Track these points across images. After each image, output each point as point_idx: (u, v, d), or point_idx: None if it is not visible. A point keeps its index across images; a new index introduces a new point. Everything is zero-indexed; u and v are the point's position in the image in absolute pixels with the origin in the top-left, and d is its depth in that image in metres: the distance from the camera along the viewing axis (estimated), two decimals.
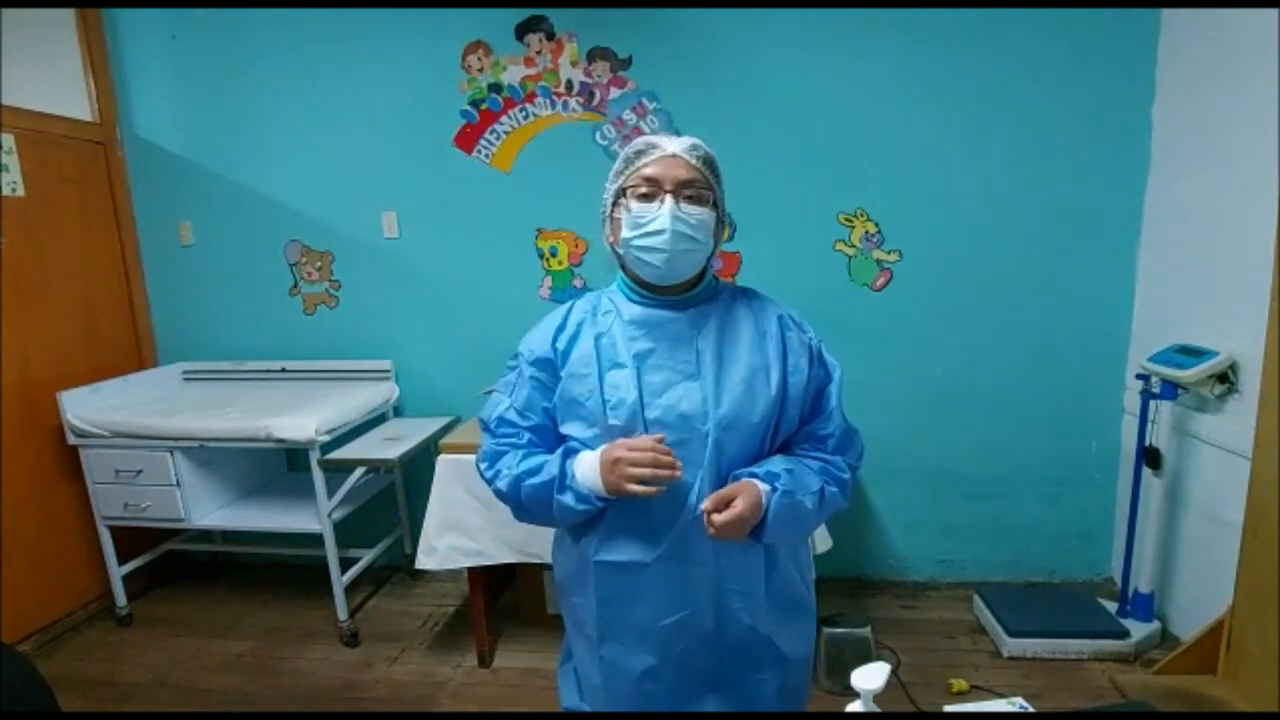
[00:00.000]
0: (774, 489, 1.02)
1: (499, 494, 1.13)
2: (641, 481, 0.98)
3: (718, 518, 0.98)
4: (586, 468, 1.04)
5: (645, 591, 1.09)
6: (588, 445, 1.07)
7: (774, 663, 1.15)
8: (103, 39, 2.79)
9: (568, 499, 1.05)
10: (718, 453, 1.04)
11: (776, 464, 1.07)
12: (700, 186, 1.08)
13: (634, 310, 1.12)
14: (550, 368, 1.12)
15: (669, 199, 1.05)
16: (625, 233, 1.08)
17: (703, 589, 1.09)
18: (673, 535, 1.06)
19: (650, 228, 1.05)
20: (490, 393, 1.21)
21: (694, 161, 1.08)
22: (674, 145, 1.08)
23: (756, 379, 1.07)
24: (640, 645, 1.11)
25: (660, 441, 1.00)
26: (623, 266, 1.15)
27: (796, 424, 1.12)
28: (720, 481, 1.05)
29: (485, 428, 1.16)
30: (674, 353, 1.09)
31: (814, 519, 1.08)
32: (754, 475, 1.04)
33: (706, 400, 1.06)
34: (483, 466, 1.14)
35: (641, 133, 2.57)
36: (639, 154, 1.09)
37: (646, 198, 1.07)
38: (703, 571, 1.08)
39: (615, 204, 1.11)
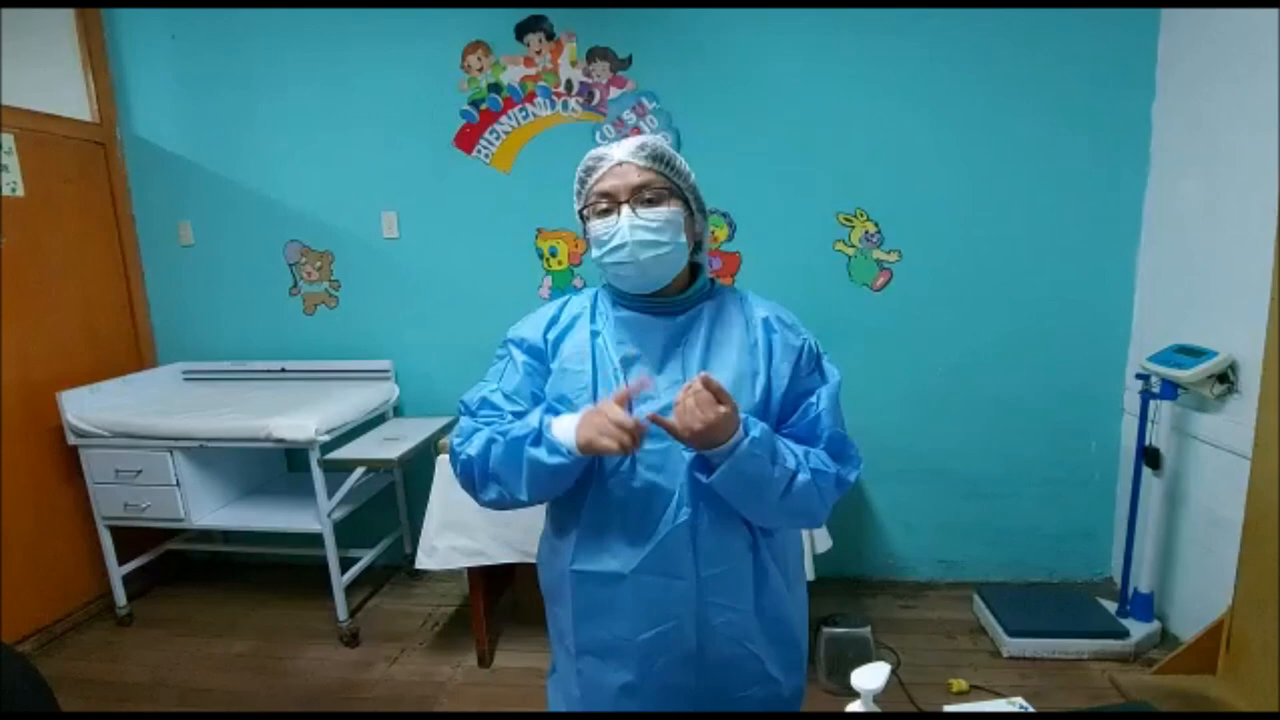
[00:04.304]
0: (746, 434, 0.95)
1: (464, 466, 1.07)
2: (612, 447, 0.93)
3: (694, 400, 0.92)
4: (565, 423, 0.99)
5: (622, 604, 1.05)
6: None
7: (762, 682, 1.11)
8: (102, 39, 2.79)
9: (540, 452, 0.99)
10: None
11: (756, 424, 0.99)
12: (656, 187, 1.05)
13: (622, 314, 1.10)
14: (541, 357, 1.11)
15: (625, 209, 1.03)
16: (594, 252, 1.08)
17: (684, 603, 1.04)
18: (652, 546, 1.02)
19: (612, 243, 1.04)
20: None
21: (643, 163, 1.05)
22: (620, 152, 1.06)
23: (741, 386, 1.04)
24: (618, 660, 1.08)
25: (640, 427, 0.95)
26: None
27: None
28: (698, 491, 1.01)
29: (465, 410, 1.13)
30: (659, 360, 1.07)
31: (774, 493, 0.98)
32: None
33: None
34: (455, 441, 1.10)
35: (640, 133, 2.57)
36: (589, 171, 1.08)
37: (605, 213, 1.05)
38: (684, 585, 1.04)
39: (585, 223, 1.11)
